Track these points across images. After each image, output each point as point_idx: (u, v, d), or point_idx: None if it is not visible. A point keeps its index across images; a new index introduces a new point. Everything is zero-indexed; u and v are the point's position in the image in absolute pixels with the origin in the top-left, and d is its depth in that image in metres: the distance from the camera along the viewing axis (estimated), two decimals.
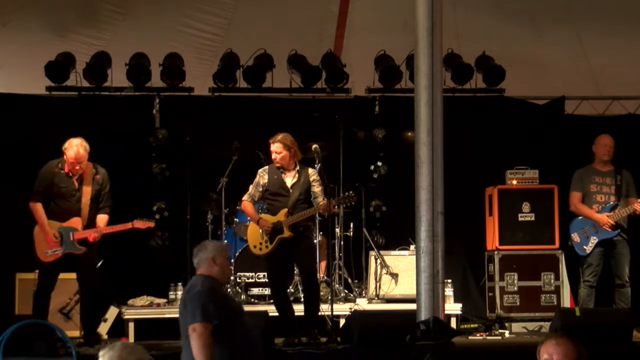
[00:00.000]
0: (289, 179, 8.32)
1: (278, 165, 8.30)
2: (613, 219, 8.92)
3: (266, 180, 8.37)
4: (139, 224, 8.43)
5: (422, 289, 5.66)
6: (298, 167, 8.35)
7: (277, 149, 8.26)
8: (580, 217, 9.12)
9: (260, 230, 8.28)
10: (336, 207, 8.82)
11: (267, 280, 9.19)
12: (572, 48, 10.58)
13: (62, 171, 8.19)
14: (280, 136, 8.28)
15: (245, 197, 8.46)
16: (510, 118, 10.44)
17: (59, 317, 8.68)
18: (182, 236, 9.72)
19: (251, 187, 8.45)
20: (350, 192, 8.46)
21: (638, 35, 10.36)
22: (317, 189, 8.30)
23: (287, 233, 8.16)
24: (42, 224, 8.11)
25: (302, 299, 8.38)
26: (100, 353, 4.03)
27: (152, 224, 8.55)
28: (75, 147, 8.14)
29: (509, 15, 10.48)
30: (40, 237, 8.14)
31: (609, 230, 8.94)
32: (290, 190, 8.28)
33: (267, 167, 8.45)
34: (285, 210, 8.22)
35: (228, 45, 10.21)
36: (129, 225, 8.35)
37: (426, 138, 5.71)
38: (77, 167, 8.16)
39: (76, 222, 8.17)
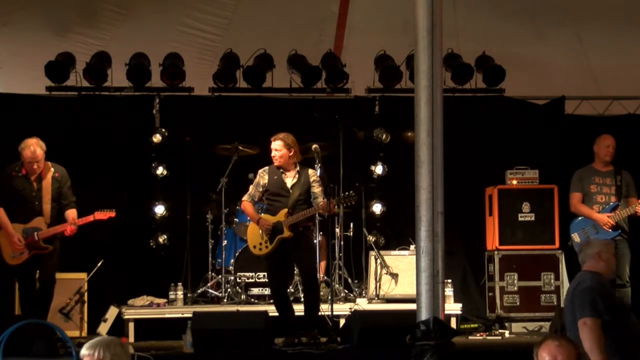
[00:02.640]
0: (289, 179, 8.32)
1: (277, 164, 8.29)
2: (614, 219, 8.91)
3: (266, 181, 8.36)
4: (100, 215, 8.51)
5: (422, 289, 5.66)
6: (298, 168, 8.35)
7: (278, 146, 8.25)
8: (580, 218, 9.10)
9: (260, 230, 8.28)
10: (336, 207, 8.81)
11: (267, 280, 9.21)
12: (572, 48, 10.59)
13: (20, 174, 8.30)
14: (281, 135, 8.28)
15: (245, 197, 8.45)
16: (510, 118, 10.44)
17: (59, 317, 8.70)
18: (182, 236, 9.73)
19: (251, 187, 8.45)
20: (350, 192, 8.45)
21: (638, 35, 10.36)
22: (317, 189, 8.30)
23: (286, 233, 8.16)
24: (5, 228, 8.23)
25: (302, 299, 8.37)
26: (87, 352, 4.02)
27: (112, 214, 8.58)
28: (32, 147, 8.24)
29: (509, 15, 10.48)
30: (4, 241, 8.25)
31: (609, 230, 8.93)
32: (290, 191, 8.28)
33: (267, 167, 8.44)
34: (285, 210, 8.21)
35: (228, 45, 10.21)
36: (90, 218, 8.45)
37: (426, 138, 5.71)
38: (35, 166, 8.26)
39: (39, 221, 8.28)
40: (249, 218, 8.65)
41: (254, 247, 8.39)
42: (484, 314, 9.90)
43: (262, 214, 8.46)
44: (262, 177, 8.40)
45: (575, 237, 9.08)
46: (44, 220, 8.29)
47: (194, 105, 10.17)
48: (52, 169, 8.40)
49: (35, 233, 8.22)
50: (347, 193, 8.45)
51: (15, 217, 8.27)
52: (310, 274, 8.26)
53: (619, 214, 8.92)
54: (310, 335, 7.94)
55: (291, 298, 9.09)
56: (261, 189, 8.38)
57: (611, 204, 9.02)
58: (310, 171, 8.42)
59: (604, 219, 8.93)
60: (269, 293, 9.22)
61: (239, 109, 10.23)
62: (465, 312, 9.64)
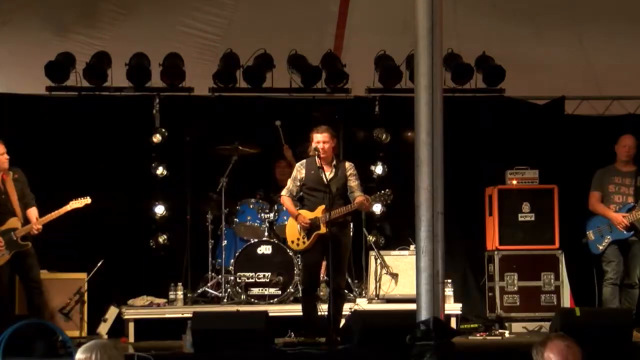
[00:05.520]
0: (327, 174, 8.18)
1: (323, 156, 8.15)
2: (629, 219, 8.87)
3: (303, 175, 8.28)
4: (76, 203, 8.60)
5: (422, 289, 5.65)
6: (335, 162, 8.26)
7: (325, 137, 8.15)
8: (597, 216, 9.06)
9: (298, 226, 8.26)
10: (372, 204, 8.74)
11: (267, 280, 9.24)
12: (572, 48, 10.59)
13: None
14: (324, 126, 8.22)
15: (283, 192, 8.41)
16: (510, 118, 10.44)
17: (59, 317, 8.70)
18: (182, 236, 9.73)
19: (289, 182, 8.39)
20: (387, 190, 8.44)
21: (638, 35, 10.36)
22: (353, 183, 8.21)
23: (323, 229, 8.10)
24: None
25: (328, 299, 8.30)
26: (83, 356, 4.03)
27: (88, 201, 8.65)
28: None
29: (509, 15, 10.48)
30: None
31: (624, 231, 8.90)
32: (328, 186, 8.17)
33: (304, 160, 8.36)
34: (323, 206, 8.13)
35: (228, 45, 10.22)
36: (67, 208, 8.54)
37: (426, 138, 5.70)
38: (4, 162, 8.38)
39: (14, 222, 8.42)
40: (288, 212, 8.57)
41: (292, 242, 8.37)
42: (484, 314, 9.89)
43: (300, 210, 8.37)
44: (299, 171, 8.32)
45: (590, 235, 9.06)
46: (18, 220, 8.43)
47: (194, 105, 10.17)
48: (11, 172, 8.52)
49: (12, 233, 8.35)
50: (383, 191, 8.43)
51: None
52: (339, 283, 8.17)
53: (635, 215, 8.87)
54: (327, 337, 7.89)
55: (291, 298, 9.11)
56: (299, 183, 8.31)
57: (628, 204, 8.98)
58: (347, 164, 8.30)
59: (619, 218, 8.89)
60: (269, 293, 9.22)
61: (239, 109, 10.23)
62: (465, 312, 9.63)
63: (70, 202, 8.58)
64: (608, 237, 8.95)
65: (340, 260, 8.15)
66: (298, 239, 8.29)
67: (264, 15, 10.50)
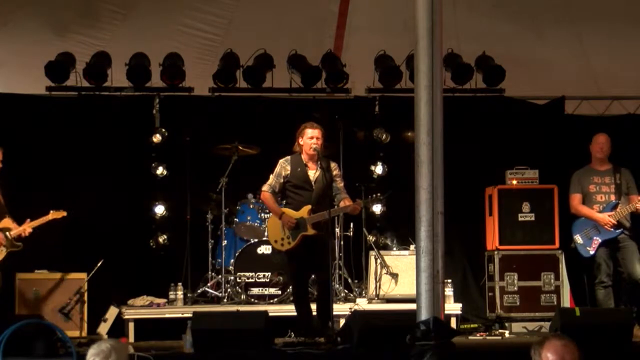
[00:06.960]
0: (312, 172, 8.09)
1: (313, 153, 8.03)
2: (615, 218, 8.87)
3: (289, 172, 8.13)
4: (55, 214, 8.66)
5: (422, 289, 5.65)
6: (320, 160, 8.12)
7: (319, 134, 8.02)
8: (581, 219, 9.06)
9: (282, 226, 8.12)
10: (363, 208, 8.71)
11: (267, 280, 9.23)
12: (572, 48, 10.59)
13: None
14: (315, 123, 8.12)
15: (265, 188, 8.22)
16: (510, 118, 10.45)
17: (59, 317, 8.71)
18: (182, 236, 9.73)
19: (271, 177, 8.21)
20: (378, 194, 8.40)
21: (638, 36, 10.37)
22: (340, 184, 8.14)
23: (310, 231, 7.99)
24: None
25: (316, 298, 8.28)
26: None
27: (64, 213, 8.69)
28: None
29: (509, 15, 10.49)
30: None
31: (611, 230, 8.90)
32: (314, 185, 8.10)
33: (289, 157, 8.19)
34: (309, 207, 8.04)
35: (228, 45, 10.22)
36: (48, 217, 8.62)
37: (426, 138, 5.71)
38: None
39: (7, 222, 8.51)
40: (269, 210, 8.50)
41: (275, 241, 8.24)
42: (484, 314, 9.89)
43: (284, 208, 8.21)
44: (284, 167, 8.14)
45: (578, 239, 9.04)
46: (11, 221, 8.51)
47: (194, 105, 10.18)
48: None
49: (7, 233, 8.42)
50: (375, 195, 8.39)
51: None
52: (328, 281, 8.13)
53: (620, 212, 8.87)
54: (326, 336, 7.87)
55: (291, 298, 9.10)
56: (282, 180, 8.14)
57: (611, 202, 8.99)
58: (332, 164, 8.20)
59: (605, 218, 8.89)
60: (269, 293, 9.21)
61: (239, 109, 10.23)
62: (465, 312, 9.64)
63: (51, 212, 8.64)
64: (596, 238, 8.92)
65: (328, 260, 8.09)
66: (282, 239, 8.14)
67: (264, 15, 10.51)
